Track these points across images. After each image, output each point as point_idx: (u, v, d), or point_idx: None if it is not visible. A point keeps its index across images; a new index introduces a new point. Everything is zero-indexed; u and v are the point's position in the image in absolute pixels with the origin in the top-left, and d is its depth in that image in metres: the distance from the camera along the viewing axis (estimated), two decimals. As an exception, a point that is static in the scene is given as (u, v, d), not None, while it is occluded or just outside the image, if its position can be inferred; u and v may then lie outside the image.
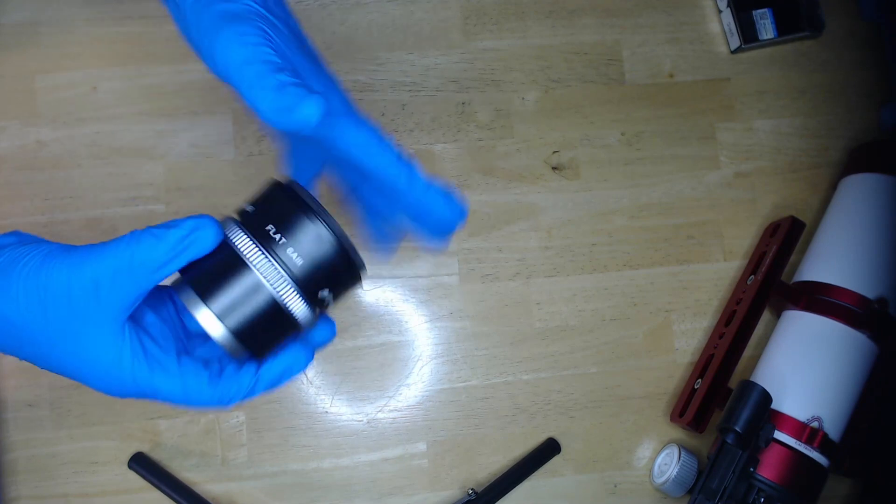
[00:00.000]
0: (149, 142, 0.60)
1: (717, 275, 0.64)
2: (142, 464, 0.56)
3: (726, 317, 0.62)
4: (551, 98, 0.65)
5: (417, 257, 0.62)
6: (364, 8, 0.64)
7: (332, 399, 0.60)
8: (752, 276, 0.62)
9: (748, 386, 0.54)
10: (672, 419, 0.61)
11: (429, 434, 0.61)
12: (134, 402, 0.58)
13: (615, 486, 0.62)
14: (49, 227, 0.59)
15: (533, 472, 0.60)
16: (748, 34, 0.65)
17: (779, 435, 0.54)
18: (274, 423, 0.59)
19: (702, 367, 0.61)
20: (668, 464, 0.59)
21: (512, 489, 0.59)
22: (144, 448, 0.58)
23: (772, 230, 0.64)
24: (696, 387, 0.60)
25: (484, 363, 0.62)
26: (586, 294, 0.63)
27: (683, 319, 0.64)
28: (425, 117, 0.63)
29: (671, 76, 0.66)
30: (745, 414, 0.53)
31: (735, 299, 0.63)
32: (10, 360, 0.58)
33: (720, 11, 0.67)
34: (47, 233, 0.59)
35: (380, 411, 0.61)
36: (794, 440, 0.54)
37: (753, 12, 0.65)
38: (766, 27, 0.65)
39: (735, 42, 0.66)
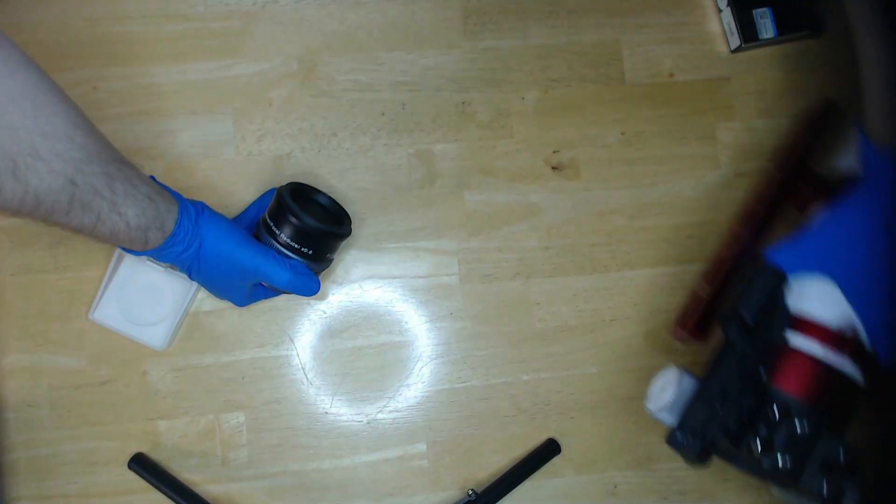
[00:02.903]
0: (149, 142, 0.60)
1: (717, 275, 0.64)
2: (142, 464, 0.56)
3: (745, 219, 0.55)
4: (551, 98, 0.65)
5: (418, 257, 0.62)
6: (364, 7, 0.64)
7: (332, 399, 0.60)
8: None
9: (759, 267, 0.45)
10: (675, 334, 0.55)
11: (429, 434, 0.61)
12: (133, 401, 0.58)
13: (615, 487, 0.62)
14: (49, 227, 0.59)
15: (533, 472, 0.60)
16: (748, 33, 0.65)
17: (802, 341, 0.46)
18: (274, 423, 0.59)
19: (713, 274, 0.54)
20: (665, 388, 0.50)
21: (512, 489, 0.59)
22: (144, 448, 0.58)
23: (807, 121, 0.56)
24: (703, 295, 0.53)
25: (484, 363, 0.62)
26: (586, 294, 0.63)
27: (683, 319, 0.64)
28: (425, 117, 0.63)
29: (671, 76, 0.66)
30: (754, 298, 0.44)
31: (757, 198, 0.55)
32: (11, 361, 0.58)
33: (720, 11, 0.67)
34: (46, 232, 0.59)
35: (380, 412, 0.61)
36: (820, 347, 0.45)
37: (753, 11, 0.65)
38: (766, 26, 0.65)
39: (735, 41, 0.66)
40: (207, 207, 0.53)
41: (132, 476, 0.57)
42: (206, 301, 0.60)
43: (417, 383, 0.61)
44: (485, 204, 0.63)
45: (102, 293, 0.58)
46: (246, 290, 0.55)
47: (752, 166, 0.66)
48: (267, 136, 0.62)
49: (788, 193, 0.53)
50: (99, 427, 0.58)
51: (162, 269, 0.58)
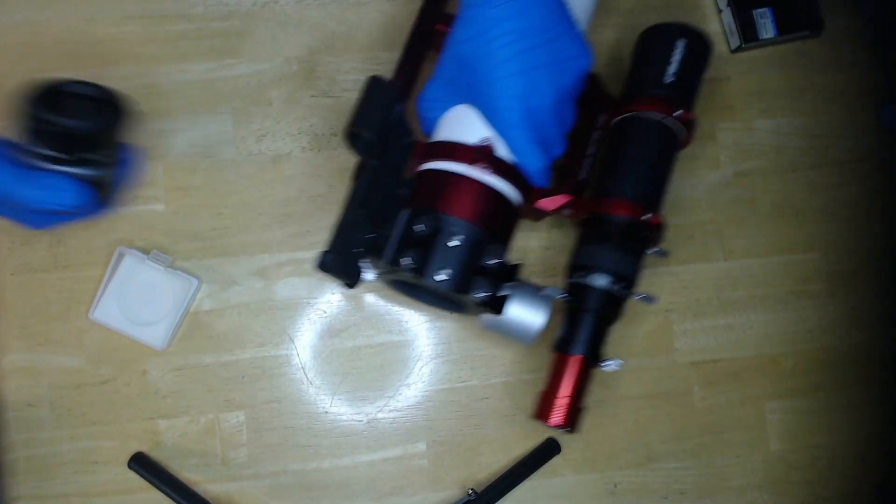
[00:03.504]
0: (149, 142, 0.60)
1: (717, 274, 0.64)
2: (142, 464, 0.56)
3: (399, 72, 0.56)
4: (551, 98, 0.64)
5: (417, 257, 0.62)
6: (364, 7, 0.64)
7: (332, 399, 0.60)
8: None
9: (365, 84, 0.45)
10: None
11: (429, 434, 0.61)
12: (133, 401, 0.58)
13: (615, 486, 0.62)
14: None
15: (533, 472, 0.60)
16: (748, 34, 0.65)
17: (443, 164, 0.49)
18: (274, 422, 0.60)
19: None
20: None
21: (512, 489, 0.59)
22: (144, 448, 0.58)
23: None
24: None
25: (484, 363, 0.62)
26: (586, 294, 0.63)
27: (683, 319, 0.64)
28: (425, 117, 0.63)
29: (671, 76, 0.66)
30: (366, 113, 0.44)
31: (407, 52, 0.56)
32: (11, 360, 0.58)
33: (720, 11, 0.67)
34: (47, 232, 0.59)
35: (380, 411, 0.61)
36: (460, 165, 0.48)
37: (753, 11, 0.65)
38: (766, 27, 0.65)
39: (735, 41, 0.66)
40: None
41: (132, 475, 0.57)
42: (205, 300, 0.60)
43: (417, 383, 0.61)
44: (485, 204, 0.63)
45: (102, 292, 0.58)
46: (25, 213, 0.51)
47: (752, 166, 0.66)
48: (267, 136, 0.62)
49: (435, 42, 0.55)
50: (99, 426, 0.58)
51: (162, 268, 0.58)
